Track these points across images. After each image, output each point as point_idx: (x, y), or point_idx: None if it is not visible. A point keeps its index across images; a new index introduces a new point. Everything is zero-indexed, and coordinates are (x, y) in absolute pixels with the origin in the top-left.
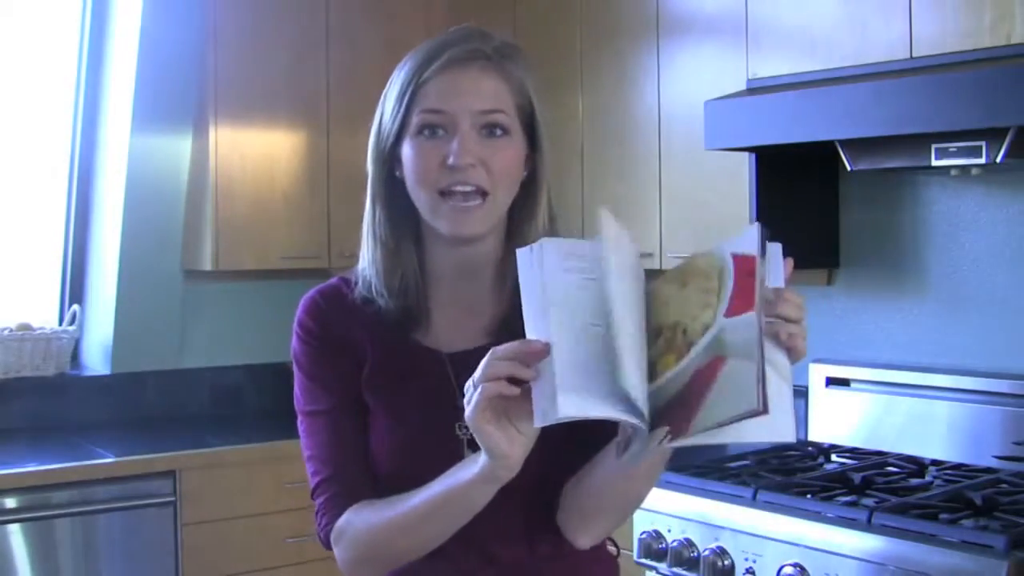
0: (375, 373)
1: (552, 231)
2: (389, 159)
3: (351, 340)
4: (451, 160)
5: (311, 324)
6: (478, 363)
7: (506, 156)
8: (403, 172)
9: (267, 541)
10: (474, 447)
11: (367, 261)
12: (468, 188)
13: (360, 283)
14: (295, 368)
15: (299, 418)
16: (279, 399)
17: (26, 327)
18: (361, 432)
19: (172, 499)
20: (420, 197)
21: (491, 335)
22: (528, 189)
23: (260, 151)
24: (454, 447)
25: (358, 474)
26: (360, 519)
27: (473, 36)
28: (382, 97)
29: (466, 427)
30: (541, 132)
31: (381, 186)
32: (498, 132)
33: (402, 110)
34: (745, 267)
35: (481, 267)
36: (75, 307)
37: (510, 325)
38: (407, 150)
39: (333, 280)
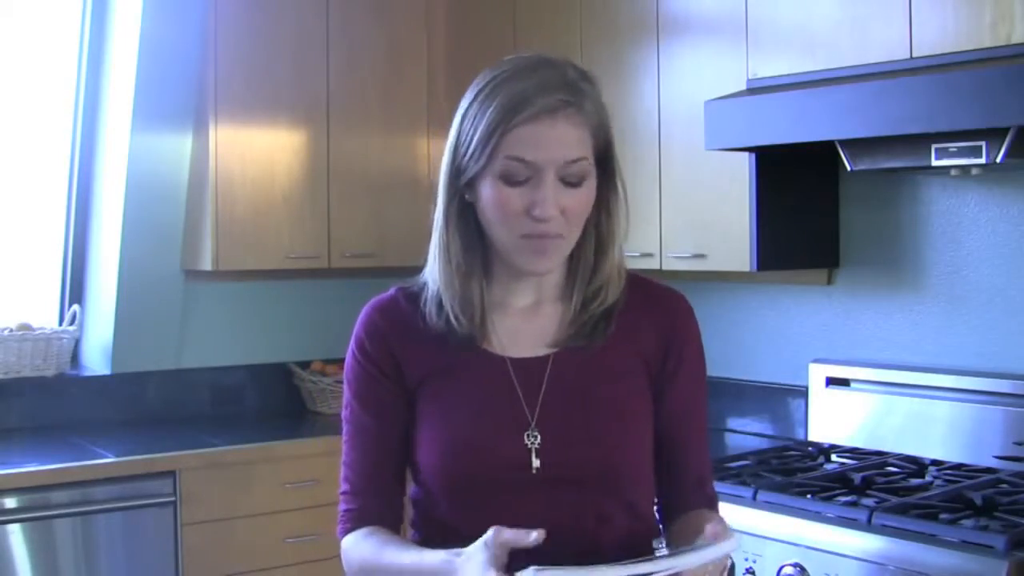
0: (434, 380)
1: (623, 254)
2: (464, 187)
3: (406, 356)
4: (536, 212)
5: (367, 344)
6: (540, 369)
7: (583, 201)
8: (475, 198)
9: (267, 541)
10: (542, 456)
11: (440, 283)
12: (548, 237)
13: (429, 301)
14: (344, 379)
15: (343, 419)
16: (279, 399)
17: (26, 327)
18: (396, 453)
19: (172, 499)
20: (498, 236)
21: (553, 345)
22: (597, 216)
23: (260, 151)
24: (523, 456)
25: (378, 496)
26: (357, 550)
27: (559, 80)
28: (459, 119)
29: (535, 435)
30: (616, 165)
31: (455, 211)
32: (577, 182)
33: (487, 153)
34: None
35: (546, 287)
36: (75, 307)
37: (578, 339)
38: (487, 189)
39: (391, 291)
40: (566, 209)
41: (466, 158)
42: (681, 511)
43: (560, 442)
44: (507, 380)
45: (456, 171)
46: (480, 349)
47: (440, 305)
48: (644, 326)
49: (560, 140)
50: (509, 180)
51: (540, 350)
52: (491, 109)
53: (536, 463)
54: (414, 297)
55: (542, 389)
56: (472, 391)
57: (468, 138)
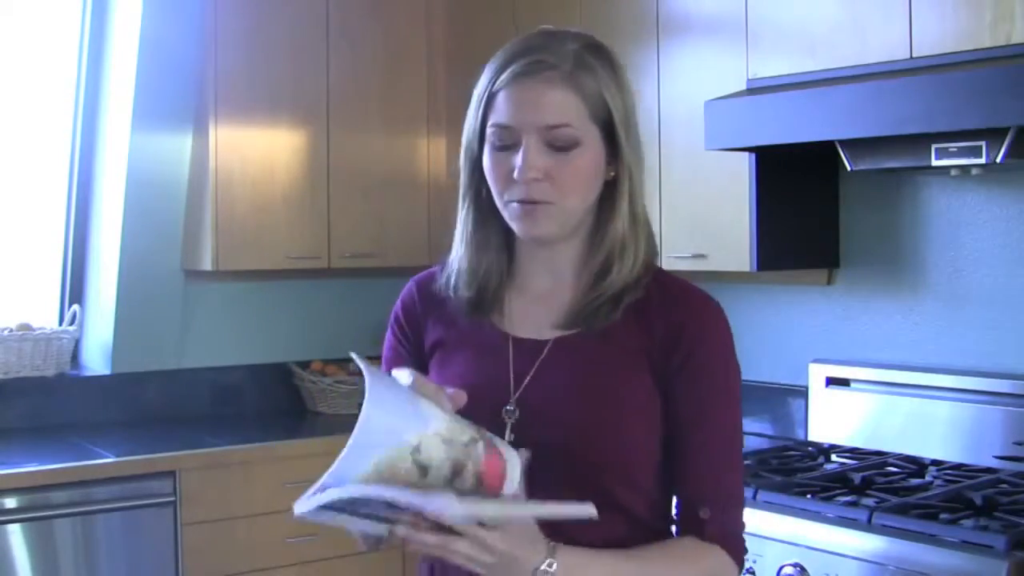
0: (444, 348)
1: (634, 233)
2: (477, 159)
3: (429, 326)
4: (515, 175)
5: (399, 313)
6: (538, 350)
7: (574, 168)
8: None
9: (267, 541)
10: (516, 431)
11: (454, 256)
12: (531, 201)
13: (444, 275)
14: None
15: None
16: (279, 399)
17: (26, 327)
18: None
19: (172, 499)
20: (498, 204)
21: (561, 328)
22: (611, 191)
23: (260, 151)
24: (498, 429)
25: None
26: None
27: (546, 44)
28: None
29: (511, 409)
30: (621, 138)
31: (469, 184)
32: (565, 146)
33: (478, 121)
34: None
35: (564, 265)
36: (75, 307)
37: (580, 321)
38: (486, 158)
39: (433, 267)
40: (553, 175)
41: (468, 130)
42: (669, 534)
43: (536, 421)
44: (503, 356)
45: (467, 145)
46: (490, 324)
47: (449, 275)
48: (656, 320)
49: (536, 102)
50: (497, 146)
51: (545, 333)
52: (483, 77)
53: (510, 437)
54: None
55: (533, 368)
56: (468, 362)
57: (470, 110)
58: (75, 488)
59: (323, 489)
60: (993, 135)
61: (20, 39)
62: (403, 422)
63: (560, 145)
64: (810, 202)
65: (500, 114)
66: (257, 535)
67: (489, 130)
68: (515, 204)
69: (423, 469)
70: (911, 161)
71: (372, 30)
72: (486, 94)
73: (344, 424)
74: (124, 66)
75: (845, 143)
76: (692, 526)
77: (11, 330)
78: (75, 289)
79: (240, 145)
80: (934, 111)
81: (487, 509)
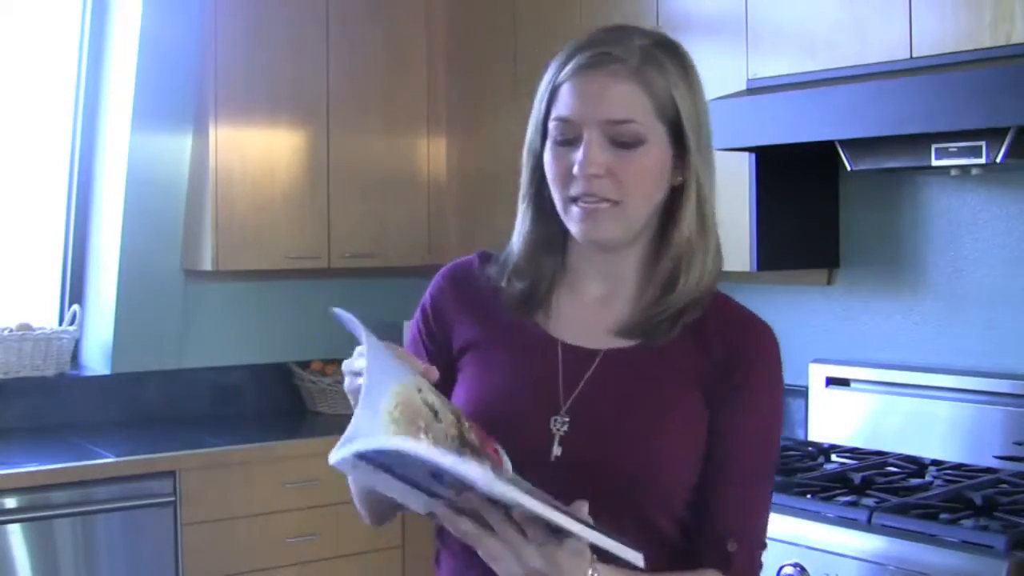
0: (482, 344)
1: (702, 243)
2: (539, 155)
3: (461, 319)
4: (575, 170)
5: (427, 306)
6: (589, 360)
7: (638, 166)
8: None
9: (267, 541)
10: (564, 444)
11: (511, 249)
12: (593, 198)
13: (499, 264)
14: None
15: None
16: (279, 399)
17: (26, 327)
18: None
19: (172, 499)
20: (556, 202)
21: (615, 338)
22: (678, 196)
23: (260, 151)
24: (544, 440)
25: None
26: None
27: (614, 38)
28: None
29: (563, 421)
30: (690, 139)
31: (531, 182)
32: (630, 143)
33: (541, 115)
34: None
35: (624, 272)
36: (75, 307)
37: (638, 333)
38: (546, 153)
39: (472, 255)
40: (615, 172)
41: (530, 125)
42: (692, 561)
43: (586, 433)
44: (552, 361)
45: (530, 142)
46: (536, 326)
47: (503, 266)
48: (714, 342)
49: (600, 95)
50: (559, 140)
51: (597, 341)
52: (548, 71)
53: (557, 451)
54: (491, 260)
55: (584, 378)
56: (513, 362)
57: (534, 104)
58: (75, 488)
59: (355, 432)
60: (993, 135)
61: (20, 39)
62: (400, 364)
63: (624, 141)
64: (810, 202)
65: (562, 107)
66: (257, 535)
67: (551, 124)
68: (576, 208)
69: (433, 411)
70: (911, 161)
71: (372, 30)
72: (549, 87)
73: (344, 424)
74: (124, 66)
75: (845, 143)
76: (718, 558)
77: (11, 330)
78: (75, 289)
79: (240, 145)
80: (934, 111)
81: (526, 501)
